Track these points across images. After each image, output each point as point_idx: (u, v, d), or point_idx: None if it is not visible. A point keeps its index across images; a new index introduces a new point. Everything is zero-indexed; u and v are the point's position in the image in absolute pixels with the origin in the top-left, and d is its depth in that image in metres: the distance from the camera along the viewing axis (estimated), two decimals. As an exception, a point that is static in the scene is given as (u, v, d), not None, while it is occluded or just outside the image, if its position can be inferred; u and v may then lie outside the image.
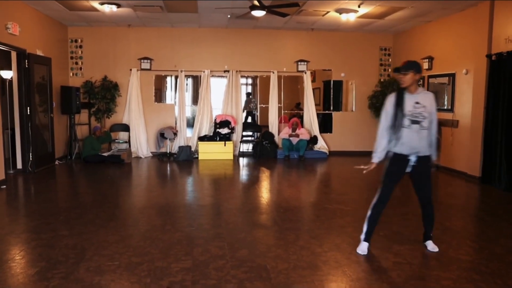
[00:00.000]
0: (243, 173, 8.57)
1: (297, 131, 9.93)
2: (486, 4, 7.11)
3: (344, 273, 3.42)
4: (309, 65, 10.46)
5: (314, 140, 10.30)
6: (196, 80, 10.88)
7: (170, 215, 5.05)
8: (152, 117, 10.25)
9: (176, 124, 10.27)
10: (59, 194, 6.50)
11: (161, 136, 9.97)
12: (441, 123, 7.83)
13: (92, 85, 9.78)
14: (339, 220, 4.90)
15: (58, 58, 9.20)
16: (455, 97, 8.04)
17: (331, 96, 10.76)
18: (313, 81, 10.78)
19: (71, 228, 4.46)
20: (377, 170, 3.82)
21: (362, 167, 3.83)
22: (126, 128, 9.99)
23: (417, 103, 3.63)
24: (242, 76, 10.55)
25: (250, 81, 13.19)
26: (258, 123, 10.96)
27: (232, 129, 9.94)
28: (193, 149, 9.94)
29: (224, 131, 9.82)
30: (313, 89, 10.61)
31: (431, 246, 3.90)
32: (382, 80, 10.60)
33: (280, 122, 10.65)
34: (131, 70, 9.98)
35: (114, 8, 7.78)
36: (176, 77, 10.32)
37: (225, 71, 10.28)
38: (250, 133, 10.87)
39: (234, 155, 10.05)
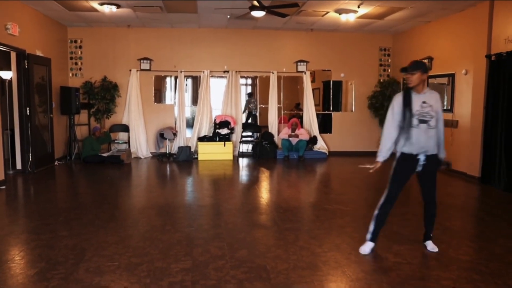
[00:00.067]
0: (243, 174, 8.57)
1: (297, 132, 9.94)
2: (486, 4, 7.12)
3: (344, 273, 3.42)
4: (309, 66, 10.47)
5: (313, 140, 10.30)
6: (196, 81, 10.89)
7: (169, 216, 5.05)
8: (152, 118, 10.25)
9: (175, 124, 10.27)
10: (59, 195, 6.49)
11: (161, 136, 9.96)
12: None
13: (92, 86, 9.78)
14: (339, 220, 4.90)
15: (57, 59, 9.20)
16: (455, 97, 8.05)
17: (330, 96, 10.76)
18: (312, 81, 10.79)
19: (71, 229, 4.45)
20: (378, 170, 3.81)
21: (367, 166, 3.84)
22: (125, 128, 9.99)
23: (424, 102, 3.66)
24: (241, 77, 10.55)
25: (249, 81, 13.20)
26: (258, 124, 10.96)
27: (232, 130, 9.94)
28: (192, 149, 9.94)
29: (224, 131, 9.82)
30: (313, 90, 10.62)
31: (430, 246, 3.90)
32: (381, 80, 10.60)
33: (279, 122, 10.65)
34: (130, 70, 9.98)
35: (113, 8, 7.78)
36: (176, 78, 10.32)
37: (224, 72, 10.28)
38: (250, 134, 10.88)
39: (233, 156, 10.05)
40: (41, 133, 8.27)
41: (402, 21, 8.91)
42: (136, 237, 4.22)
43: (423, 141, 3.64)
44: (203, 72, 10.17)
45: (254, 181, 7.84)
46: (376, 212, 3.83)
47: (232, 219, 4.95)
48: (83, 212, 5.19)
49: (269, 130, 10.42)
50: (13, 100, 7.77)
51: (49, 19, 8.85)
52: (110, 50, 9.99)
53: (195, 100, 10.93)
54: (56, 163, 8.79)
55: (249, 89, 13.31)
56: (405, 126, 3.63)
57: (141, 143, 10.02)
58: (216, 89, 10.73)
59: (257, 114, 11.02)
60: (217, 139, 9.85)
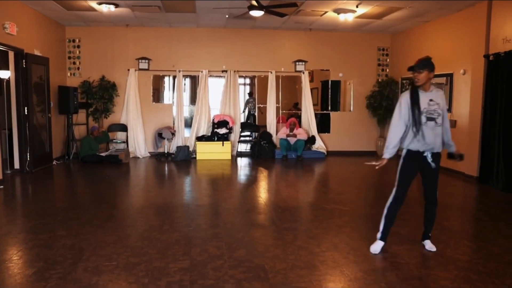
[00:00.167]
0: (241, 173, 8.57)
1: (295, 131, 9.94)
2: (484, 4, 7.13)
3: (342, 273, 3.42)
4: (307, 65, 10.47)
5: (312, 140, 10.31)
6: (194, 80, 10.89)
7: (168, 215, 5.04)
8: (150, 117, 10.24)
9: (174, 124, 10.26)
10: (57, 194, 6.48)
11: (159, 136, 9.96)
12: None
13: (90, 85, 9.76)
14: (337, 220, 4.90)
15: (55, 58, 9.18)
16: (453, 97, 8.07)
17: (329, 96, 10.76)
18: (311, 81, 10.80)
19: (69, 229, 4.45)
20: (378, 170, 3.81)
21: (373, 163, 3.86)
22: (124, 128, 9.98)
23: (431, 100, 3.70)
24: (240, 76, 10.55)
25: (248, 81, 13.20)
26: (256, 123, 10.96)
27: (230, 129, 9.94)
28: (191, 149, 9.93)
29: (222, 131, 9.82)
30: (311, 89, 10.63)
31: (428, 245, 3.91)
32: (380, 80, 10.61)
33: (278, 122, 10.65)
34: (129, 70, 9.96)
35: (112, 8, 7.77)
36: (174, 77, 10.31)
37: (223, 71, 10.27)
38: (248, 133, 10.88)
39: (232, 155, 10.04)
40: (39, 132, 8.25)
41: (401, 21, 8.92)
42: (134, 237, 4.21)
43: (431, 139, 3.67)
44: (202, 71, 10.16)
45: (252, 180, 7.84)
46: (385, 211, 3.85)
47: (230, 219, 4.95)
48: (81, 211, 5.18)
49: (268, 130, 10.42)
50: (11, 99, 7.75)
51: (47, 19, 8.83)
52: (108, 50, 9.97)
53: (193, 100, 10.93)
54: (54, 162, 8.77)
55: (247, 89, 13.31)
56: (416, 123, 3.64)
57: (139, 143, 10.01)
58: (215, 89, 10.73)
59: (256, 114, 11.01)
60: (216, 138, 9.84)
